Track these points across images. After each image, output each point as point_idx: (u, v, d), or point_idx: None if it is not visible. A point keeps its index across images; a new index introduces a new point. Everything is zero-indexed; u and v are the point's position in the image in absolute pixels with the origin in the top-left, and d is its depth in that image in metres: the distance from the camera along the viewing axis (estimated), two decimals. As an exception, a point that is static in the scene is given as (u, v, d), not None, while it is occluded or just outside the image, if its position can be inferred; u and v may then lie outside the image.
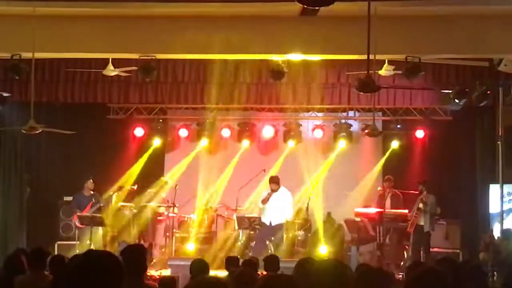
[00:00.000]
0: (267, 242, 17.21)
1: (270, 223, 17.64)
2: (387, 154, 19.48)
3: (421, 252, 17.09)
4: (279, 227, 17.72)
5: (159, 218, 18.52)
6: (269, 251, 16.73)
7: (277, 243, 17.43)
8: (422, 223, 17.13)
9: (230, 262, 11.29)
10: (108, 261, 3.91)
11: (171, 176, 19.48)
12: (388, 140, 19.42)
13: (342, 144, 19.42)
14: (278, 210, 17.75)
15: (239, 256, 13.42)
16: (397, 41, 13.82)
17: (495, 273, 15.33)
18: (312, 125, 19.89)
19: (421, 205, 17.13)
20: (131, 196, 18.74)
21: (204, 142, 19.73)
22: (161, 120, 19.86)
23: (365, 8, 11.49)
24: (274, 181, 17.93)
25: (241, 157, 19.89)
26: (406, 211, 17.63)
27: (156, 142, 19.67)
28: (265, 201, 17.87)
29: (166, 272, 15.63)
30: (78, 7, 13.45)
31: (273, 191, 17.88)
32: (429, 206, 17.11)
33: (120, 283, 3.88)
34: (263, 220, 17.76)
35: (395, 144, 19.31)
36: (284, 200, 17.89)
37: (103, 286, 3.83)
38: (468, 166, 18.84)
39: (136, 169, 19.45)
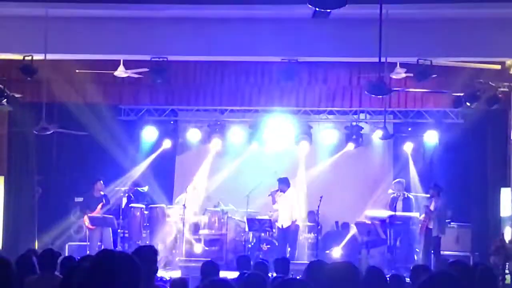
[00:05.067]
0: (287, 245, 17.28)
1: (282, 226, 17.62)
2: (398, 156, 19.48)
3: (432, 256, 17.04)
4: (292, 228, 17.66)
5: (169, 219, 18.50)
6: (287, 254, 16.76)
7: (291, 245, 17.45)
8: (431, 227, 17.08)
9: (241, 262, 11.28)
10: (126, 262, 3.85)
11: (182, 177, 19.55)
12: (399, 142, 19.39)
13: (353, 146, 19.38)
14: (288, 213, 17.69)
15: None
16: (408, 44, 13.82)
17: (506, 276, 15.29)
18: (323, 127, 19.85)
19: (428, 210, 17.07)
20: (142, 197, 18.78)
21: (215, 144, 19.72)
22: (172, 122, 19.87)
23: (377, 11, 11.48)
24: (283, 182, 17.88)
25: (252, 158, 19.89)
26: (417, 214, 17.61)
27: (167, 143, 19.68)
28: (274, 201, 17.84)
29: (177, 274, 15.64)
30: (89, 8, 13.50)
31: (281, 191, 17.82)
32: (436, 211, 17.03)
33: (138, 285, 3.82)
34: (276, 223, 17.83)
35: (406, 147, 19.27)
36: (294, 202, 17.81)
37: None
38: (479, 169, 18.77)
39: (147, 170, 19.50)
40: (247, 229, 17.96)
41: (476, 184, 18.85)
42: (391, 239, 18.20)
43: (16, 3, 13.39)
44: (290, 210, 17.65)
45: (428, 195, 17.44)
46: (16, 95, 15.80)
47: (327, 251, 18.02)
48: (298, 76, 15.49)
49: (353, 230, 18.25)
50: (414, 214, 17.90)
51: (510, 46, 13.72)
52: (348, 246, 18.24)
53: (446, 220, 17.42)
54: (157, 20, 13.96)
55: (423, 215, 17.19)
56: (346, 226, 19.00)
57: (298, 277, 6.87)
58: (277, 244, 17.61)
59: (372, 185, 19.42)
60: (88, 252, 16.33)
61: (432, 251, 16.99)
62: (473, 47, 13.94)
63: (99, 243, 17.11)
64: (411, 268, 9.00)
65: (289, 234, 17.57)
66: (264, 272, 9.64)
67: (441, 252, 17.13)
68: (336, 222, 19.32)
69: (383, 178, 19.61)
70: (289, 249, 17.29)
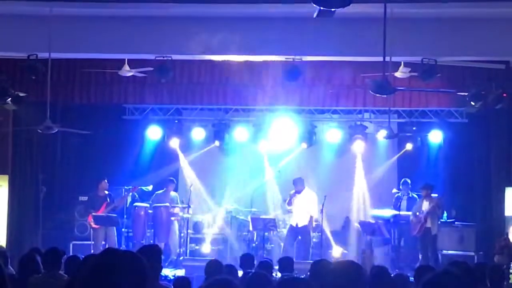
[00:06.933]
0: (294, 244, 17.30)
1: (297, 225, 17.62)
2: (402, 156, 19.45)
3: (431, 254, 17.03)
4: (305, 228, 17.67)
5: (173, 218, 18.51)
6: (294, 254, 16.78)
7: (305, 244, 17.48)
8: (429, 226, 17.06)
9: (245, 260, 11.28)
10: (132, 260, 3.78)
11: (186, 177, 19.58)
12: (403, 142, 19.35)
13: (357, 146, 19.33)
14: (304, 212, 17.69)
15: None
16: (413, 43, 13.80)
17: (510, 276, 15.27)
18: (327, 127, 19.83)
19: (434, 209, 17.02)
20: (146, 196, 18.79)
21: (219, 143, 19.69)
22: (176, 121, 19.86)
23: (381, 10, 11.48)
24: (299, 183, 17.87)
25: (256, 157, 19.87)
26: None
27: (172, 142, 19.67)
28: (290, 203, 17.79)
29: (181, 273, 15.65)
30: (94, 7, 13.50)
31: (297, 192, 17.81)
32: (431, 211, 17.02)
33: (145, 283, 3.77)
34: (288, 222, 17.83)
35: (410, 146, 19.24)
36: (309, 201, 17.79)
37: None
38: (484, 169, 18.75)
39: (151, 169, 19.51)
40: (251, 228, 17.98)
41: (480, 183, 18.84)
42: (395, 239, 18.20)
43: (20, 2, 13.40)
44: (307, 210, 17.65)
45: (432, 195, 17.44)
46: (21, 94, 15.78)
47: (330, 251, 18.02)
48: (302, 75, 15.47)
49: (327, 229, 18.19)
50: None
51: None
52: (352, 246, 18.24)
53: (441, 220, 17.40)
54: (161, 19, 13.96)
55: (425, 215, 17.13)
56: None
57: (302, 276, 6.88)
58: (282, 244, 17.61)
59: (376, 185, 19.40)
60: (92, 251, 16.35)
61: (430, 250, 16.99)
62: (478, 46, 13.92)
63: (103, 242, 17.11)
64: (415, 267, 9.02)
65: (303, 233, 17.55)
66: (269, 271, 9.66)
67: (445, 251, 17.16)
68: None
69: (387, 177, 19.59)
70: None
